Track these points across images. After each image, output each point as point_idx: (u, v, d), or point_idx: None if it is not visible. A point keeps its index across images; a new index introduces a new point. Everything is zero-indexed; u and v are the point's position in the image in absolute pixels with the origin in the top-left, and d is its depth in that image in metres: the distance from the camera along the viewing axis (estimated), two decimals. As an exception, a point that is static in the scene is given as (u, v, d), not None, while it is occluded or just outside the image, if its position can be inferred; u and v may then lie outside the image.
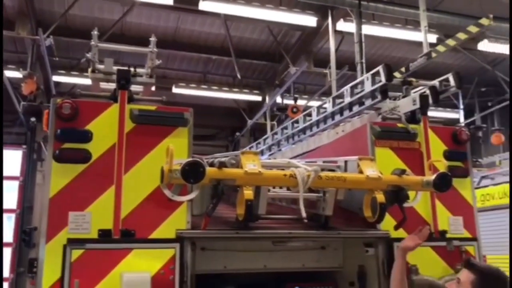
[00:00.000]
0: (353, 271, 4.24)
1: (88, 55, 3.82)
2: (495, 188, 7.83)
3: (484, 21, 8.51)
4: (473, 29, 8.73)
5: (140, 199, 3.39)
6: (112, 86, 3.71)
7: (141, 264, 3.24)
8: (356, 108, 4.88)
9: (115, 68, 3.76)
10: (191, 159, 3.02)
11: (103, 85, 3.99)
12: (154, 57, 3.87)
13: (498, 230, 7.47)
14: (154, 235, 3.35)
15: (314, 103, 8.92)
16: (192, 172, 2.88)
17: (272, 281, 4.56)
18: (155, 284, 3.18)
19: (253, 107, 18.05)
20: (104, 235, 3.24)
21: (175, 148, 3.13)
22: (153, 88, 4.23)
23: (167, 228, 3.37)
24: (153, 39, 3.92)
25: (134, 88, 3.81)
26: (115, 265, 3.20)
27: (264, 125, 16.53)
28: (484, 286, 2.75)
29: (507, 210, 7.41)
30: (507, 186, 7.65)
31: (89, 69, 3.90)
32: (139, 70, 3.92)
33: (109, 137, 3.42)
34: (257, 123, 17.50)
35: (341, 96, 5.26)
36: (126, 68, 3.71)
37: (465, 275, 2.81)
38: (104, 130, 3.43)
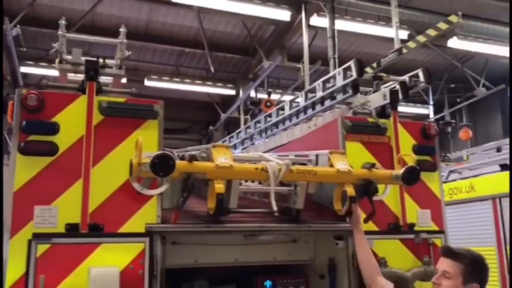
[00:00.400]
0: (323, 264, 4.27)
1: (56, 45, 3.72)
2: (463, 182, 8.02)
3: (453, 18, 8.69)
4: (442, 26, 8.90)
5: (109, 192, 3.32)
6: (80, 77, 3.61)
7: (110, 258, 3.18)
8: (328, 103, 4.91)
9: (83, 58, 3.66)
10: (160, 152, 2.97)
11: (71, 76, 3.89)
12: (124, 48, 3.79)
13: (465, 223, 7.66)
14: (123, 229, 3.29)
15: (288, 98, 8.96)
16: (161, 165, 2.84)
17: (243, 275, 4.57)
18: (124, 279, 3.13)
19: (226, 101, 18.01)
20: (72, 230, 3.17)
21: (145, 141, 3.09)
22: (124, 81, 4.15)
23: (136, 222, 3.31)
24: (122, 29, 3.84)
25: (103, 79, 3.72)
26: (83, 260, 3.13)
27: (238, 119, 16.53)
28: (474, 272, 2.75)
29: (474, 204, 7.61)
30: (474, 180, 7.85)
31: (57, 60, 3.79)
32: (108, 61, 3.84)
33: (76, 130, 3.34)
34: (231, 117, 17.50)
35: (313, 90, 5.28)
36: (95, 59, 3.62)
37: (452, 266, 2.74)
38: (72, 122, 3.34)
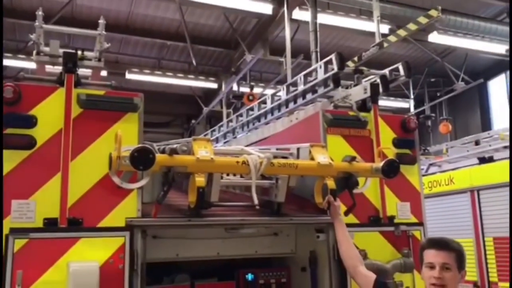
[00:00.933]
0: (305, 257, 4.30)
1: (33, 36, 3.64)
2: (442, 175, 8.14)
3: (433, 12, 8.78)
4: (423, 20, 8.99)
5: (88, 186, 3.29)
6: (59, 69, 3.55)
7: (89, 253, 3.15)
8: (309, 96, 4.91)
9: (61, 50, 3.60)
10: (140, 145, 2.95)
11: (49, 68, 3.82)
12: (103, 40, 3.74)
13: (444, 215, 7.78)
14: (103, 223, 3.26)
15: (270, 91, 8.98)
16: (141, 159, 2.82)
17: (225, 268, 4.57)
18: (103, 273, 3.10)
19: (209, 95, 17.92)
20: (50, 224, 3.13)
21: (125, 134, 3.06)
22: (104, 73, 4.10)
23: (116, 216, 3.28)
24: (101, 21, 3.79)
25: (82, 72, 3.66)
26: (62, 254, 3.10)
27: (220, 112, 16.48)
28: (463, 258, 2.77)
29: (453, 196, 7.73)
30: (453, 173, 7.97)
31: (34, 52, 3.72)
32: (87, 53, 3.78)
33: (54, 123, 3.29)
34: (213, 111, 17.42)
35: (295, 84, 5.29)
36: (73, 51, 3.56)
37: (448, 257, 2.70)
38: (50, 115, 3.29)
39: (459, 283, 2.75)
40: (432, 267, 2.72)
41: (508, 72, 17.48)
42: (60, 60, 3.52)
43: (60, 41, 3.76)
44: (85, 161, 3.30)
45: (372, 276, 3.18)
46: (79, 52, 3.61)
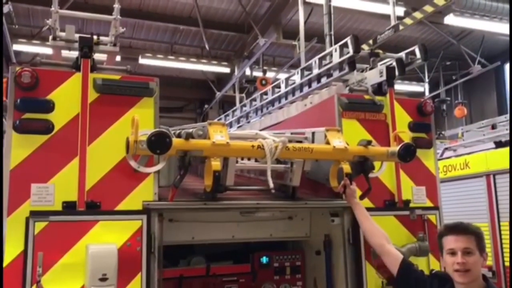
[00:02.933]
0: (319, 240, 4.32)
1: (49, 21, 3.66)
2: (457, 160, 8.06)
3: (450, -6, 8.60)
4: (439, 1, 8.83)
5: (106, 170, 3.32)
6: (74, 54, 3.57)
7: (107, 236, 3.20)
8: (324, 80, 4.89)
9: (77, 35, 3.62)
10: (157, 129, 2.97)
11: (65, 53, 3.85)
12: (118, 25, 3.74)
13: (459, 199, 7.73)
14: (121, 206, 3.30)
15: (283, 75, 8.89)
16: (158, 143, 2.84)
17: (240, 251, 4.62)
18: (121, 255, 3.15)
19: (221, 79, 17.88)
20: (69, 207, 3.18)
21: (141, 119, 3.08)
22: (118, 58, 4.10)
23: (133, 200, 3.32)
24: (116, 5, 3.79)
25: (97, 57, 3.68)
26: (81, 237, 3.15)
27: (233, 97, 16.44)
28: (483, 240, 2.80)
29: (468, 181, 7.67)
30: (469, 157, 7.89)
31: (50, 37, 3.74)
32: (102, 38, 3.79)
33: (72, 107, 3.32)
34: (226, 95, 17.38)
35: (309, 68, 5.25)
36: (88, 35, 3.57)
37: (468, 241, 2.71)
38: (67, 100, 3.32)
39: (482, 266, 2.76)
40: (453, 253, 2.73)
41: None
42: (76, 45, 3.55)
43: (75, 27, 3.77)
44: (102, 146, 3.34)
45: (400, 257, 3.19)
46: (95, 37, 3.62)
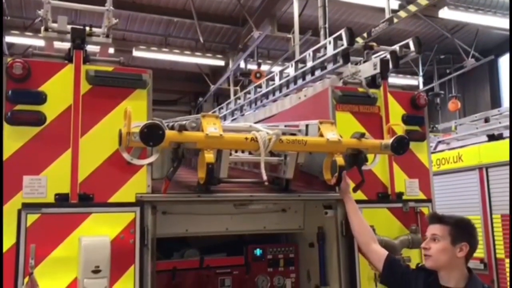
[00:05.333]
0: (313, 233, 4.34)
1: (40, 12, 3.62)
2: (450, 153, 8.09)
3: (444, -13, 8.60)
4: (434, -5, 8.81)
5: (99, 162, 3.31)
6: (67, 45, 3.54)
7: (100, 228, 3.20)
8: (318, 73, 4.88)
9: (69, 27, 3.58)
10: (150, 121, 2.95)
11: (58, 44, 3.81)
12: (111, 16, 3.71)
13: (452, 192, 7.76)
14: (114, 199, 3.29)
15: (278, 68, 8.90)
16: (151, 135, 2.83)
17: (234, 243, 4.63)
18: (114, 248, 3.14)
19: (216, 72, 17.82)
20: (61, 199, 3.17)
21: (134, 111, 3.07)
22: (112, 51, 4.07)
23: (127, 192, 3.32)
24: (109, -4, 3.75)
25: (90, 48, 3.65)
26: (73, 229, 3.14)
27: (228, 90, 16.41)
28: (461, 231, 2.88)
29: (461, 174, 7.70)
30: (462, 150, 7.92)
31: (42, 28, 3.71)
32: (95, 29, 3.76)
33: (64, 99, 3.30)
34: (221, 88, 17.34)
35: (303, 60, 5.24)
36: (81, 27, 3.54)
37: (439, 229, 2.88)
38: (59, 92, 3.29)
39: (457, 256, 2.85)
40: (425, 238, 2.97)
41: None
42: (68, 36, 3.51)
43: (68, 18, 3.74)
44: (95, 138, 3.32)
45: (384, 253, 3.26)
46: (87, 28, 3.59)
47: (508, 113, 8.07)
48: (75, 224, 3.16)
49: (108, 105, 3.38)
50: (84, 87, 3.35)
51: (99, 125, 3.35)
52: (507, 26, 14.04)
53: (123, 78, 3.43)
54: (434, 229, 2.92)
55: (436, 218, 2.97)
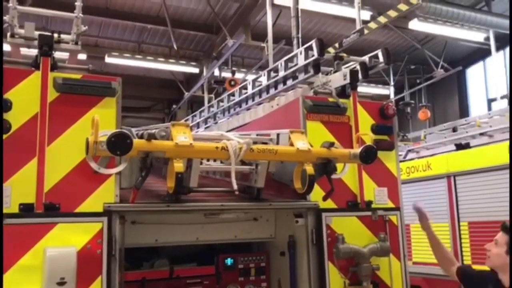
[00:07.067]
0: (284, 241, 4.34)
1: (6, 18, 3.55)
2: (420, 161, 8.25)
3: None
4: (403, 7, 9.03)
5: (65, 171, 3.25)
6: (34, 52, 3.48)
7: (66, 238, 3.13)
8: (290, 82, 4.92)
9: (37, 33, 3.52)
10: (117, 130, 2.92)
11: (25, 51, 3.75)
12: (80, 23, 3.67)
13: (421, 200, 7.88)
14: (81, 208, 3.23)
15: (252, 77, 8.92)
16: (118, 144, 2.79)
17: (205, 253, 4.60)
18: (81, 258, 3.08)
19: (190, 79, 17.78)
20: (26, 210, 3.09)
21: (103, 119, 3.01)
22: (84, 57, 4.01)
23: (94, 202, 3.26)
24: (78, 3, 3.71)
25: (59, 55, 3.60)
26: (38, 240, 3.07)
27: (202, 97, 16.38)
28: None
29: (430, 182, 7.85)
30: (431, 159, 8.09)
31: (8, 34, 3.63)
32: (64, 36, 3.71)
33: (30, 107, 3.23)
34: (195, 96, 17.30)
35: (276, 69, 5.28)
36: (49, 33, 3.49)
37: (501, 237, 3.24)
38: (25, 99, 3.23)
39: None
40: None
41: (485, 60, 17.75)
42: (36, 42, 3.45)
43: (38, 24, 3.68)
44: (62, 146, 3.26)
45: (456, 267, 3.74)
46: (56, 35, 3.54)
47: (474, 123, 8.29)
48: (40, 235, 3.09)
49: (76, 113, 3.33)
50: (52, 94, 3.30)
51: (66, 134, 3.29)
52: (474, 39, 14.52)
53: (91, 85, 3.38)
54: (499, 234, 3.27)
55: (503, 226, 3.28)
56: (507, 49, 16.33)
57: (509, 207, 5.85)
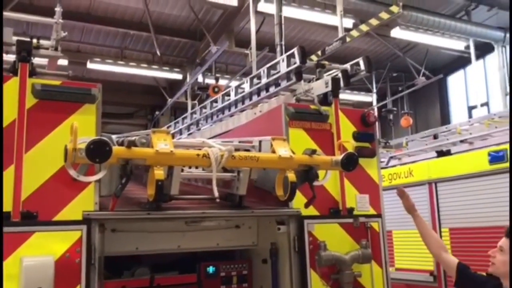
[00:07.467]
0: (266, 249, 4.32)
1: (-17, 23, 3.49)
2: (402, 168, 8.31)
3: (394, 8, 8.95)
4: (384, 15, 9.15)
5: (44, 179, 3.19)
6: (13, 58, 3.42)
7: (44, 247, 3.07)
8: (272, 89, 4.93)
9: (15, 38, 3.47)
10: (96, 137, 2.88)
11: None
12: (60, 29, 3.63)
13: (403, 207, 7.95)
14: (59, 217, 3.17)
15: (236, 83, 8.93)
16: (97, 151, 2.75)
17: (186, 261, 4.55)
18: (59, 268, 3.02)
19: (173, 86, 17.72)
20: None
21: (82, 126, 2.98)
22: (65, 63, 3.96)
23: (73, 210, 3.21)
24: (58, 9, 3.68)
25: (39, 61, 3.55)
26: (15, 249, 2.99)
27: (185, 104, 16.31)
28: None
29: (412, 188, 7.91)
30: (412, 165, 8.16)
31: (-15, 39, 3.57)
32: (43, 42, 3.66)
33: (8, 113, 3.17)
34: (178, 102, 17.23)
35: (259, 76, 5.29)
36: (27, 39, 3.43)
37: (506, 243, 3.19)
38: (3, 106, 3.17)
39: None
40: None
41: (466, 68, 18.06)
42: (14, 48, 3.40)
43: (18, 29, 3.63)
44: (40, 153, 3.21)
45: (455, 261, 3.72)
46: (34, 41, 3.49)
47: (455, 130, 8.40)
48: (17, 244, 3.02)
49: (55, 120, 3.28)
50: (30, 101, 3.24)
51: (45, 141, 3.24)
52: (455, 47, 14.77)
53: (71, 92, 3.34)
54: (503, 241, 3.23)
55: (509, 232, 3.23)
56: (487, 57, 16.66)
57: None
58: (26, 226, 3.07)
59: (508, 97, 14.96)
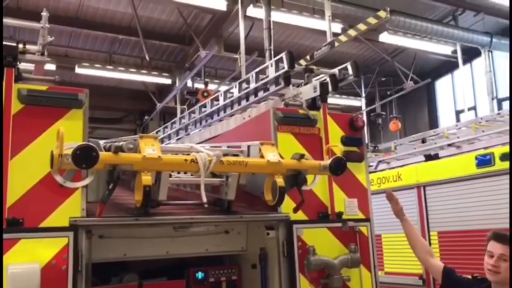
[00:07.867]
0: (255, 254, 4.31)
1: (-33, 27, 3.45)
2: (390, 172, 8.36)
3: (381, 13, 9.02)
4: (372, 20, 9.22)
5: (30, 185, 3.15)
6: (-2, 63, 3.39)
7: (30, 254, 3.03)
8: (261, 94, 4.93)
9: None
10: (83, 143, 2.85)
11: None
12: (46, 33, 3.59)
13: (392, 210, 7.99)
14: (45, 223, 3.14)
15: (225, 88, 8.91)
16: (83, 157, 2.73)
17: (175, 267, 4.52)
18: (45, 275, 2.98)
19: (162, 90, 17.66)
20: (-13, 225, 2.98)
21: (69, 132, 2.96)
22: (53, 67, 3.93)
23: (59, 216, 3.17)
24: (44, 13, 3.64)
25: (26, 66, 3.51)
26: None
27: (175, 109, 16.28)
28: None
29: (400, 192, 7.96)
30: (401, 169, 8.21)
31: (-30, 44, 3.53)
32: (30, 46, 3.62)
33: None
34: (167, 107, 17.18)
35: (248, 81, 5.29)
36: (13, 43, 3.40)
37: (505, 249, 3.12)
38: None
39: None
40: (491, 256, 3.21)
41: (453, 73, 18.24)
42: (-1, 53, 3.36)
43: (5, 33, 3.60)
44: (26, 159, 3.17)
45: (441, 266, 3.76)
46: (20, 45, 3.46)
47: (443, 134, 8.47)
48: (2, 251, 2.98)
49: (41, 126, 3.25)
50: (16, 106, 3.21)
51: (31, 146, 3.21)
52: (442, 52, 14.94)
53: (57, 97, 3.31)
54: (501, 249, 3.15)
55: (504, 238, 3.18)
56: (474, 62, 16.86)
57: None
58: (12, 233, 3.03)
59: (495, 101, 15.16)
